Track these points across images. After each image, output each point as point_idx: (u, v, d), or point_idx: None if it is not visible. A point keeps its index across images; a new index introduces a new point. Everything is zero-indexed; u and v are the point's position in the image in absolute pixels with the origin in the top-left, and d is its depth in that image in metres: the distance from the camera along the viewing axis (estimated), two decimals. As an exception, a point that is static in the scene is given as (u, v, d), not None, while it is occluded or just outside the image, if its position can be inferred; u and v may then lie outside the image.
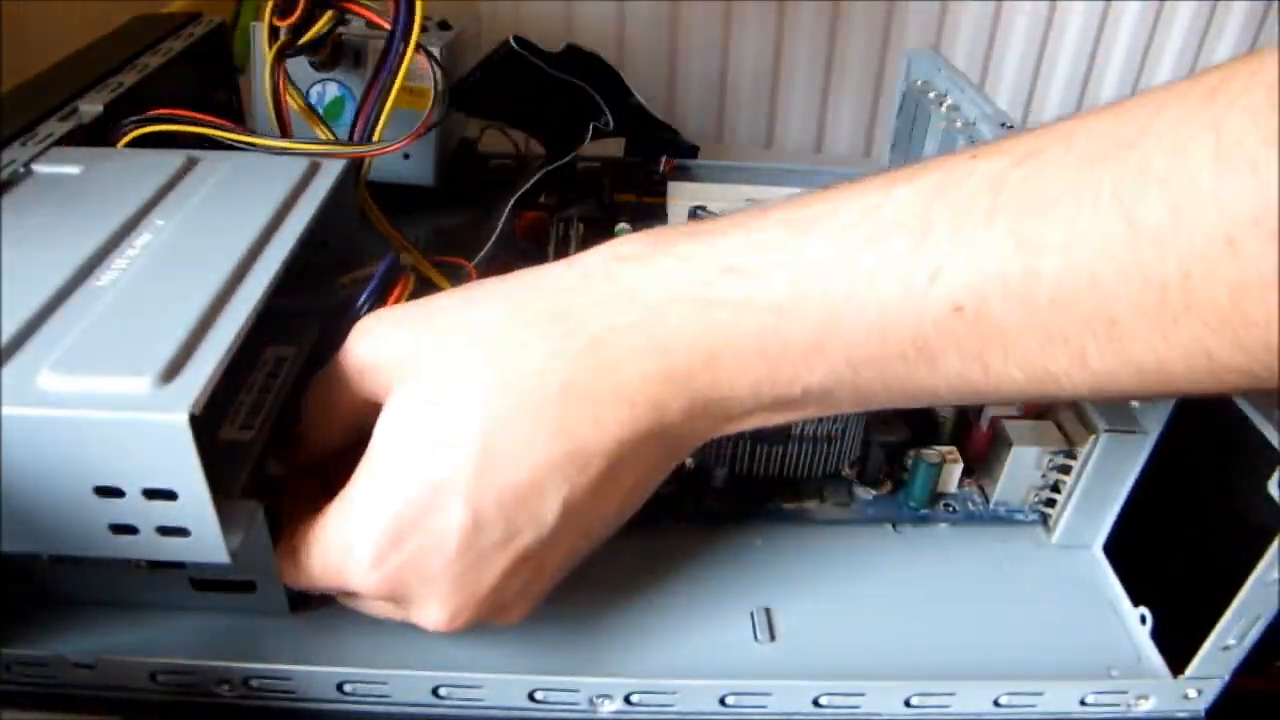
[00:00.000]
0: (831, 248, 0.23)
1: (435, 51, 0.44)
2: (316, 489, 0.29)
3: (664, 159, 0.55)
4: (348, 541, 0.26)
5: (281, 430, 0.30)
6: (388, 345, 0.27)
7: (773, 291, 0.24)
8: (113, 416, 0.22)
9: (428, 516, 0.25)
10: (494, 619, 0.28)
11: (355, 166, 0.39)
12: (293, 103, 0.40)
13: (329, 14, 0.40)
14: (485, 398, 0.25)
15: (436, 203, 0.51)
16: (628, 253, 0.26)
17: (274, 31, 0.38)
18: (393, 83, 0.38)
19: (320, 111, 0.46)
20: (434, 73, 0.44)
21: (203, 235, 0.30)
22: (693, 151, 0.55)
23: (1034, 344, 0.22)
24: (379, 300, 0.31)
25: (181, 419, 0.22)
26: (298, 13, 0.38)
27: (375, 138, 0.39)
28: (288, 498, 0.30)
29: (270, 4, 0.38)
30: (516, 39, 0.46)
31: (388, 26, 0.38)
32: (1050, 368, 0.22)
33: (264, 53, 0.38)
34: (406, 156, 0.48)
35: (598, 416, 0.25)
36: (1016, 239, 0.21)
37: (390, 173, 0.47)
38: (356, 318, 0.29)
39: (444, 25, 0.50)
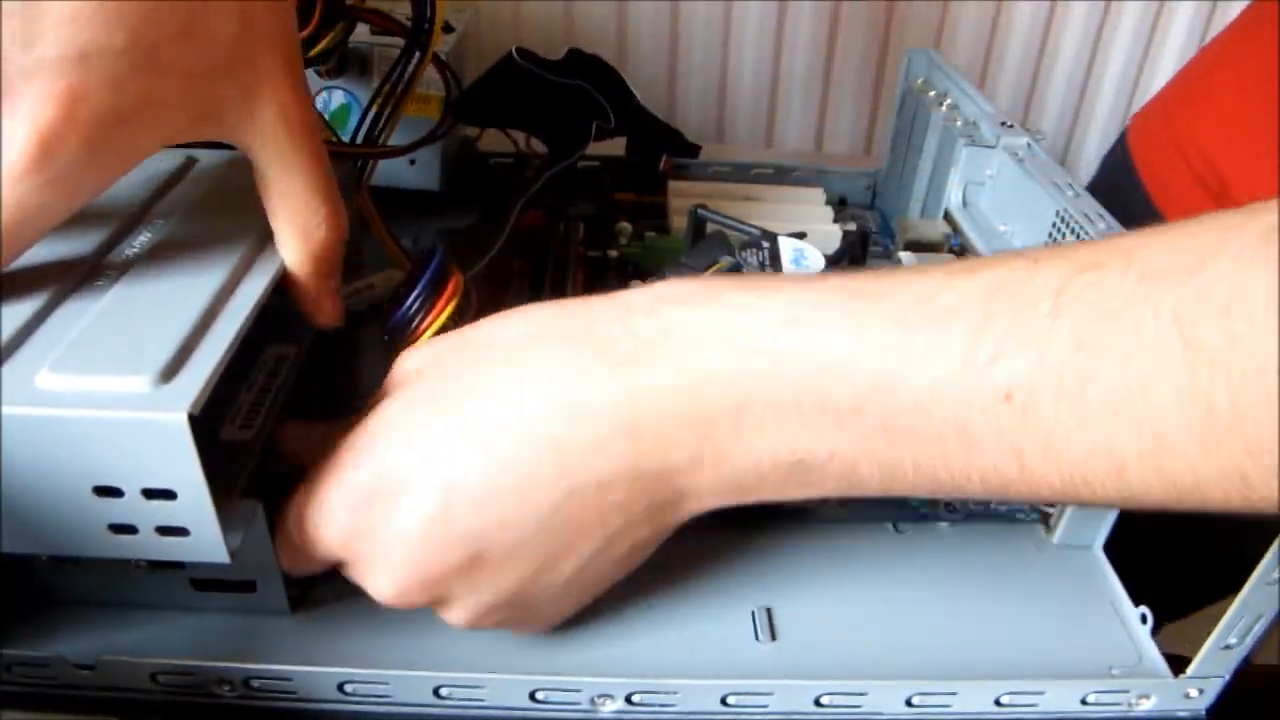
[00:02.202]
0: (892, 319, 0.23)
1: (442, 56, 0.44)
2: None
3: (664, 158, 0.55)
4: (322, 496, 0.27)
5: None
6: (421, 357, 0.28)
7: (827, 349, 0.24)
8: (112, 416, 0.22)
9: (401, 492, 0.26)
10: (437, 609, 0.29)
11: (360, 170, 0.38)
12: None
13: (340, 26, 0.39)
14: (488, 399, 0.26)
15: (438, 205, 0.51)
16: (673, 294, 0.26)
17: None
18: (407, 89, 0.38)
19: (326, 118, 0.46)
20: (448, 81, 0.44)
21: (202, 234, 0.30)
22: (694, 151, 0.55)
23: (1077, 448, 0.22)
24: (430, 300, 0.31)
25: (181, 418, 0.22)
26: (311, 26, 0.38)
27: (382, 142, 0.39)
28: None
29: None
30: (519, 51, 0.46)
31: (403, 36, 0.38)
32: (1087, 475, 0.22)
33: None
34: (412, 163, 0.48)
35: (599, 443, 0.25)
36: (1076, 340, 0.21)
37: (396, 178, 0.47)
38: (407, 320, 0.29)
39: (446, 28, 0.50)
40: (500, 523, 0.26)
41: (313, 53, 0.39)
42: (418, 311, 0.31)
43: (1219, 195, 0.54)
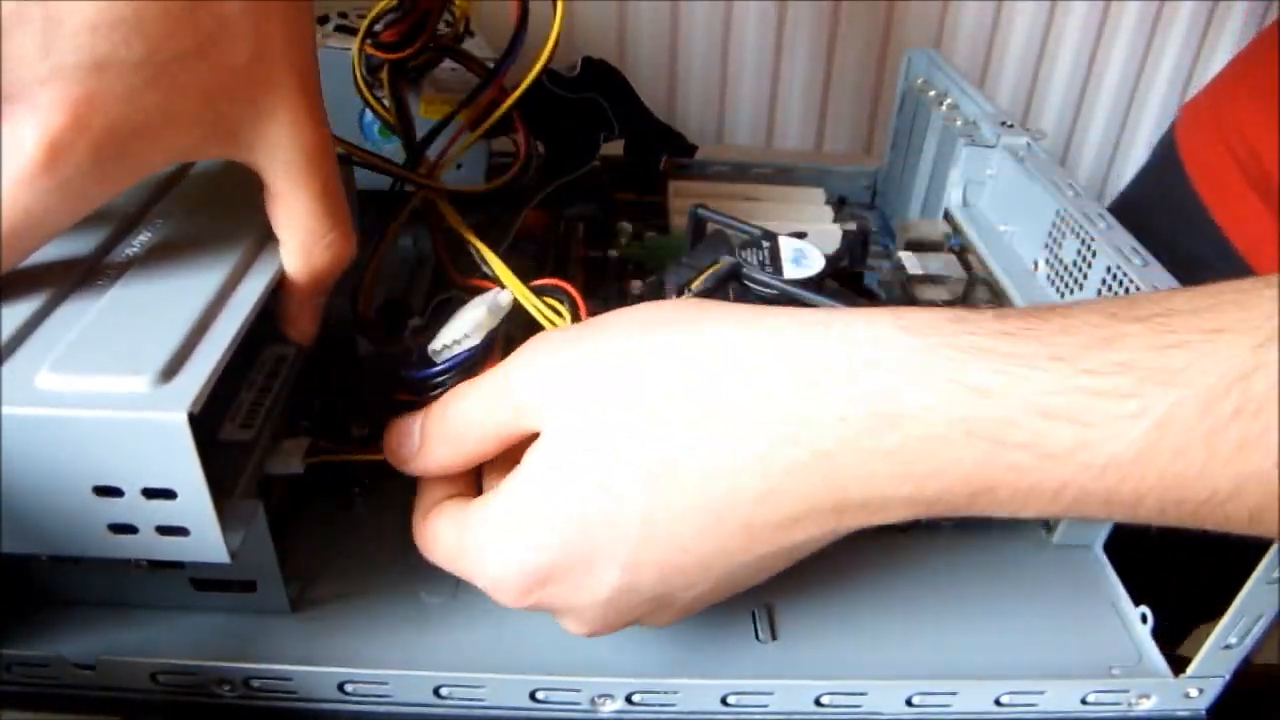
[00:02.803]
0: (1196, 410, 0.20)
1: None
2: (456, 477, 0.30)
3: (664, 157, 0.55)
4: (496, 572, 0.27)
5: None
6: (552, 384, 0.26)
7: (1111, 450, 0.20)
8: (111, 416, 0.22)
9: (581, 572, 0.26)
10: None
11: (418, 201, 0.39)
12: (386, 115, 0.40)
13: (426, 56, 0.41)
14: (670, 474, 0.24)
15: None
16: (889, 360, 0.22)
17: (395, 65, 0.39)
18: (481, 123, 0.39)
19: (375, 132, 0.47)
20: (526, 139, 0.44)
21: (202, 234, 0.30)
22: (690, 151, 0.55)
23: None
24: (457, 380, 0.30)
25: (180, 418, 0.22)
26: (412, 50, 0.39)
27: (442, 170, 0.39)
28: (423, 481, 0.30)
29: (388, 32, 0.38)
30: (547, 74, 0.47)
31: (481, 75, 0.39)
32: None
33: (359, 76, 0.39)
34: (459, 166, 0.48)
35: (797, 518, 0.23)
36: None
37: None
38: (429, 387, 0.29)
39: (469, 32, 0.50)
40: (685, 584, 0.26)
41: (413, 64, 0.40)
42: (438, 386, 0.30)
43: (1261, 185, 0.54)
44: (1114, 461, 0.20)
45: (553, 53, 0.37)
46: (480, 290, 0.35)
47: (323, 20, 0.47)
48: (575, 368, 0.26)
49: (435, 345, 0.31)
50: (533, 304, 0.33)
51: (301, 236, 0.28)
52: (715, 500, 0.24)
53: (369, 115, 0.47)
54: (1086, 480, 0.21)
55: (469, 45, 0.43)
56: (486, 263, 0.36)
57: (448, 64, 0.44)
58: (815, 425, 0.22)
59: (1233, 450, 0.19)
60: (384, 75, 0.39)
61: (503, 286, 0.34)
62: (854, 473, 0.22)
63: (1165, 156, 0.64)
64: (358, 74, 0.39)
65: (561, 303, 0.32)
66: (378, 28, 0.39)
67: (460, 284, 0.38)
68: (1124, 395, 0.20)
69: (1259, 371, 0.19)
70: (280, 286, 0.29)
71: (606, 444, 0.24)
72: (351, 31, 0.44)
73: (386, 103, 0.40)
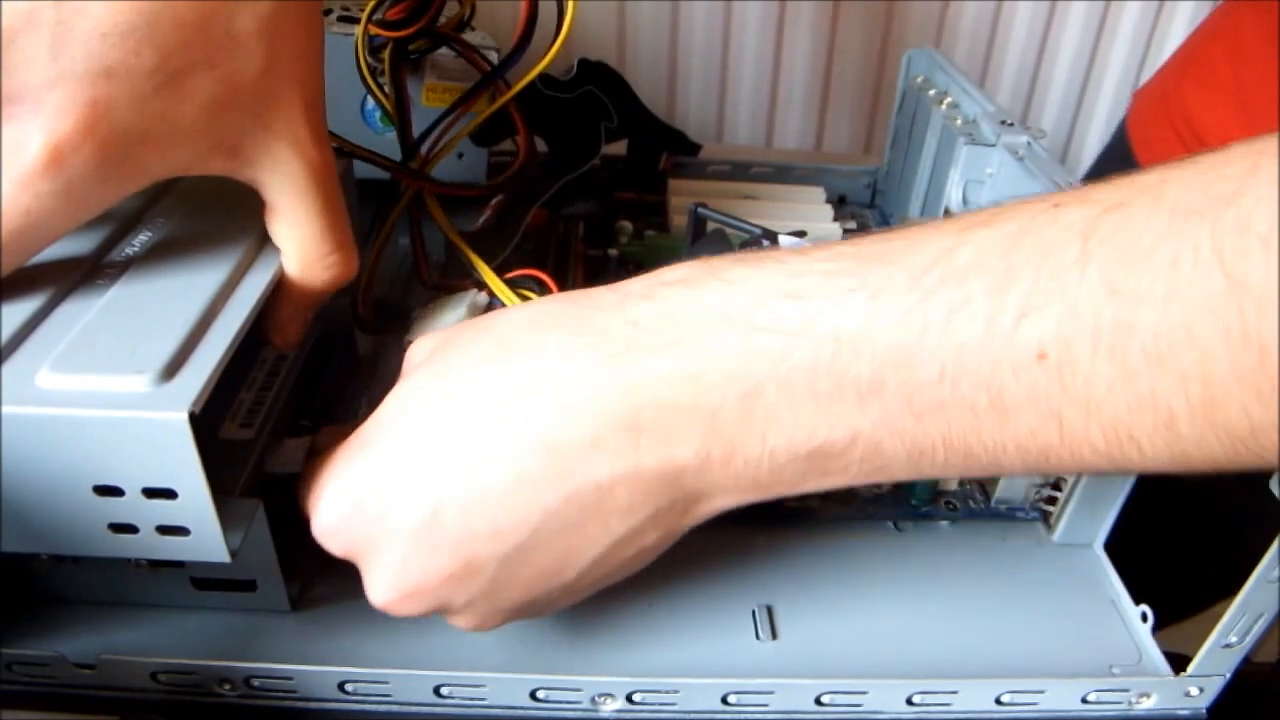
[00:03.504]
0: (907, 283, 0.22)
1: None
2: None
3: (664, 156, 0.55)
4: (317, 498, 0.27)
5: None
6: (430, 344, 0.28)
7: (838, 319, 0.22)
8: (112, 415, 0.22)
9: (389, 497, 0.25)
10: (444, 616, 0.28)
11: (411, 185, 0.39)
12: (386, 103, 0.40)
13: (425, 41, 0.41)
14: (477, 395, 0.25)
15: (442, 202, 0.50)
16: (672, 277, 0.25)
17: (397, 45, 0.39)
18: (473, 120, 0.39)
19: (376, 120, 0.47)
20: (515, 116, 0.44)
21: (202, 233, 0.30)
22: (694, 150, 0.55)
23: (1120, 403, 0.20)
24: None
25: (181, 418, 0.22)
26: (410, 31, 0.39)
27: (432, 165, 0.39)
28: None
29: (388, 11, 0.38)
30: (541, 79, 0.47)
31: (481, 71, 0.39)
32: (1134, 431, 0.21)
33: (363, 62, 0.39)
34: (461, 156, 0.48)
35: (595, 440, 0.24)
36: (1109, 287, 0.20)
37: (442, 172, 0.47)
38: None
39: (470, 26, 0.50)
40: (492, 530, 0.24)
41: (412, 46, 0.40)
42: None
43: None
44: (846, 333, 0.22)
45: (556, 55, 0.37)
46: (451, 290, 0.37)
47: (326, 12, 0.47)
48: (447, 332, 0.27)
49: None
50: (509, 299, 0.35)
51: (301, 254, 0.28)
52: (517, 409, 0.24)
53: (370, 103, 0.47)
54: (829, 359, 0.22)
55: (469, 39, 0.43)
56: (469, 260, 0.37)
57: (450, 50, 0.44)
58: (612, 330, 0.24)
59: (945, 317, 0.21)
60: (385, 56, 0.39)
61: (480, 287, 0.36)
62: (640, 372, 0.23)
63: (1117, 145, 0.64)
64: (361, 57, 0.39)
65: (535, 292, 0.34)
66: (377, 16, 0.39)
67: (433, 284, 0.39)
68: (848, 275, 0.23)
69: (962, 247, 0.22)
70: (274, 294, 0.29)
71: (432, 381, 0.26)
72: (354, 21, 0.44)
73: (387, 89, 0.40)
